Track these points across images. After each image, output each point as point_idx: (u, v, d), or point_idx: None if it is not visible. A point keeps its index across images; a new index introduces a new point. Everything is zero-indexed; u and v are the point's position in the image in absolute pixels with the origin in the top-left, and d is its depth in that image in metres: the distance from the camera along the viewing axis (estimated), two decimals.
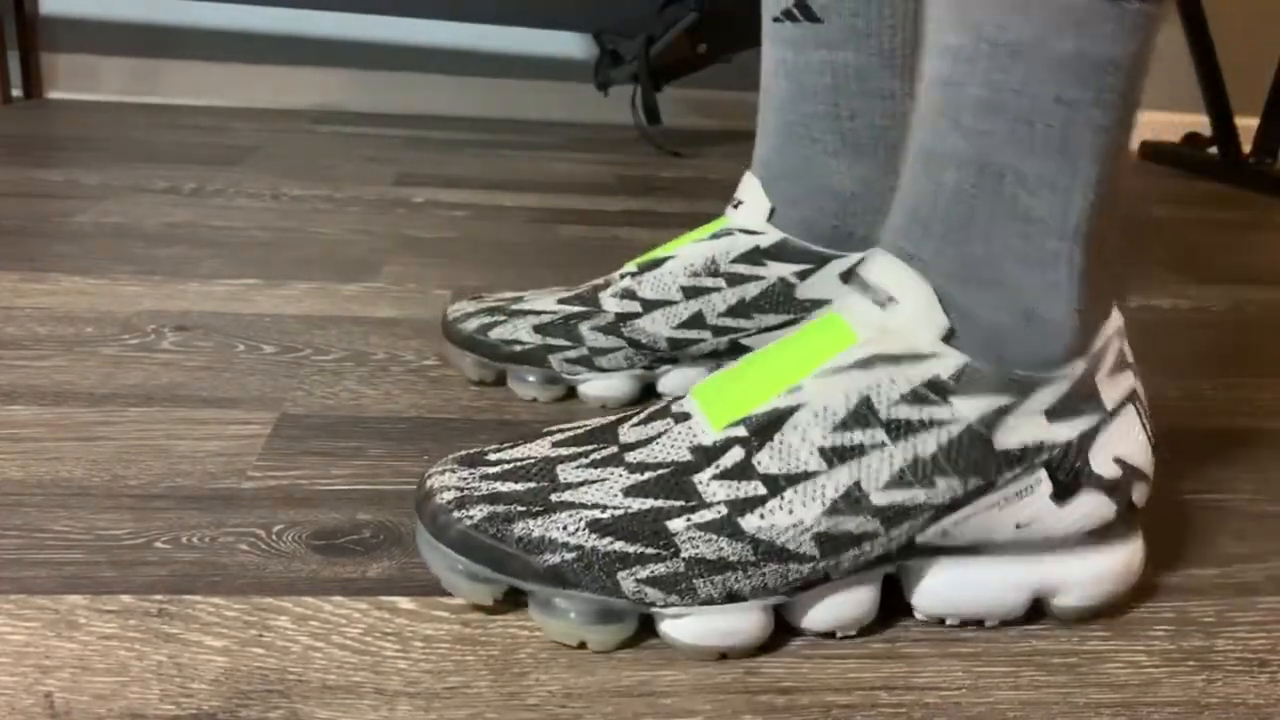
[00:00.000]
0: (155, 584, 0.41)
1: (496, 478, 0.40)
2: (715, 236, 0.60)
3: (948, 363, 0.38)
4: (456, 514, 0.39)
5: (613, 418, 0.43)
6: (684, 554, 0.37)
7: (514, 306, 0.62)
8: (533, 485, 0.39)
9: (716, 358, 0.61)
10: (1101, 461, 0.40)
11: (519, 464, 0.40)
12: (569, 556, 0.38)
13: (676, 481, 0.39)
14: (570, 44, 1.90)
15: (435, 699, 0.36)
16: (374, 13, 1.67)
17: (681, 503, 0.38)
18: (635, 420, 0.42)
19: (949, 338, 0.39)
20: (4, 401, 0.56)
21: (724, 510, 0.38)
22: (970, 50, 0.37)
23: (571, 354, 0.60)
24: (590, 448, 0.41)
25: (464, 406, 0.60)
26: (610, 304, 0.60)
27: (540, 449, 0.41)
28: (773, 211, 0.59)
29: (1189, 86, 1.69)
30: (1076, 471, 0.40)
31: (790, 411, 0.39)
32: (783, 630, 0.40)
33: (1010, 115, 0.37)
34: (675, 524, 0.38)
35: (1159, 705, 0.38)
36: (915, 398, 0.38)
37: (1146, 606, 0.44)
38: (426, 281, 0.84)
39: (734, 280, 0.59)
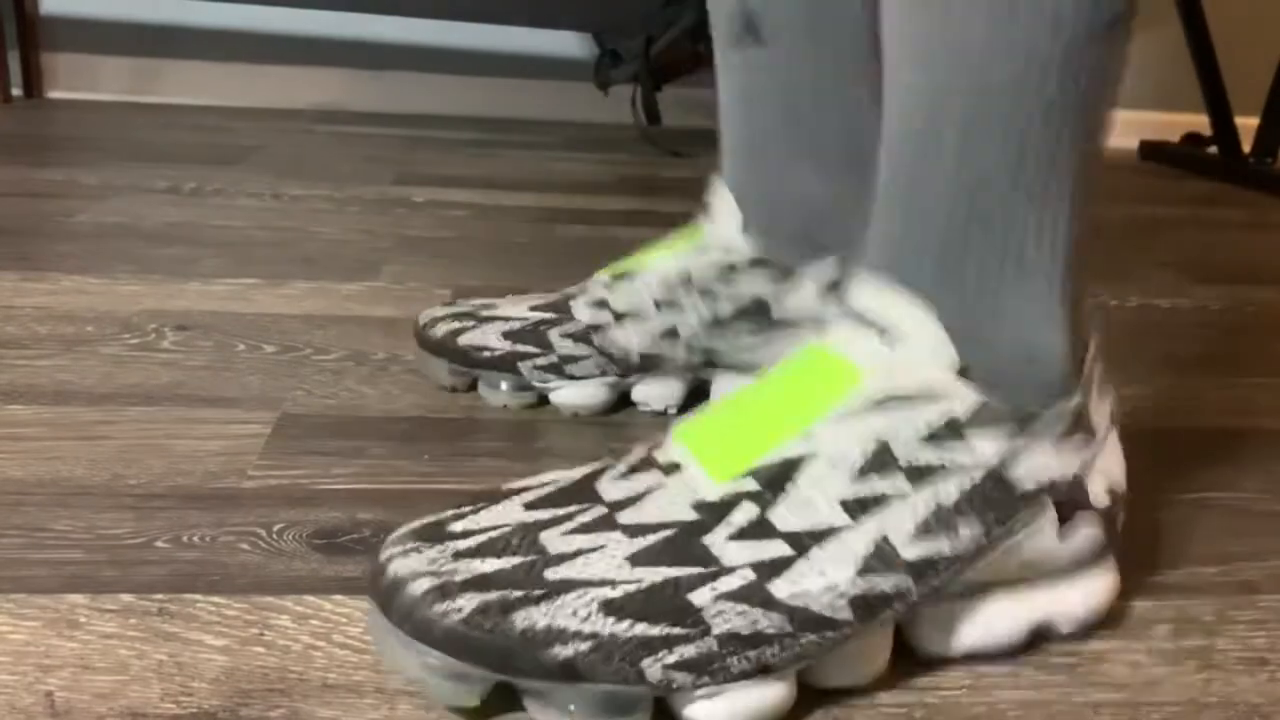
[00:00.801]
0: (156, 583, 0.41)
1: (473, 554, 0.34)
2: (690, 249, 0.59)
3: (964, 400, 0.36)
4: (439, 607, 0.32)
5: (583, 471, 0.38)
6: (715, 630, 0.33)
7: (484, 312, 0.61)
8: (520, 560, 0.34)
9: (692, 370, 0.60)
10: (1097, 489, 0.39)
11: (494, 535, 0.35)
12: (584, 647, 0.32)
13: (687, 544, 0.34)
14: (570, 44, 1.90)
15: None
16: (374, 13, 1.67)
17: (700, 570, 0.33)
18: (614, 474, 0.37)
19: (962, 374, 0.36)
20: (4, 401, 0.56)
21: (750, 575, 0.34)
22: (945, 85, 0.36)
23: (541, 361, 0.59)
24: (573, 509, 0.36)
25: (464, 406, 0.60)
26: (583, 313, 0.60)
27: (513, 513, 0.36)
28: (745, 223, 0.58)
29: (1189, 86, 1.69)
30: (1076, 502, 0.38)
31: (802, 460, 0.35)
32: (804, 694, 0.36)
33: (996, 147, 0.35)
34: (699, 596, 0.33)
35: (1159, 704, 0.38)
36: (934, 440, 0.36)
37: (1147, 606, 0.44)
38: (426, 281, 0.84)
39: (709, 296, 0.58)
